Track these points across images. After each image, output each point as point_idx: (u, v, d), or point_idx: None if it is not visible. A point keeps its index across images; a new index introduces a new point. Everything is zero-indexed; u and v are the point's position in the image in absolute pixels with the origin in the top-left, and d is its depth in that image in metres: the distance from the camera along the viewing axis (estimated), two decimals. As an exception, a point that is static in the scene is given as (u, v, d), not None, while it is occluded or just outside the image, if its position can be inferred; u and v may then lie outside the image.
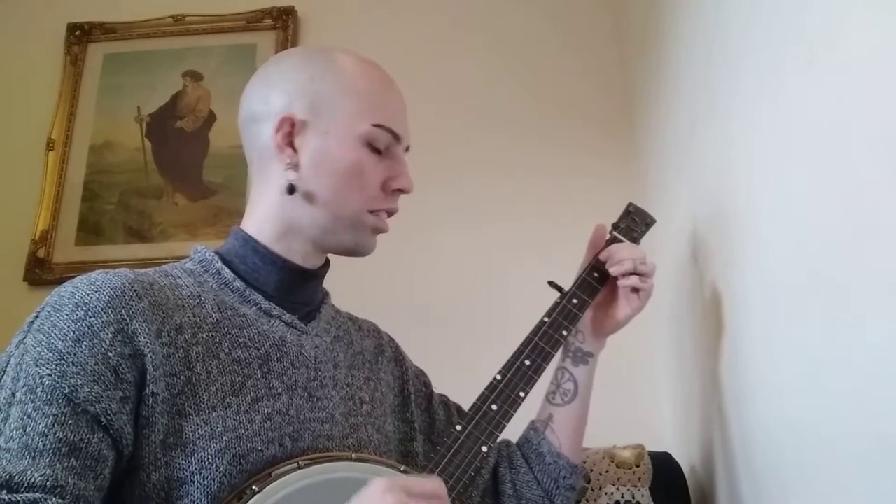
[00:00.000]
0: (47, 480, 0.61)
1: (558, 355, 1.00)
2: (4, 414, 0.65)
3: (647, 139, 1.55)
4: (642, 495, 1.14)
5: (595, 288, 1.02)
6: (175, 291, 0.78)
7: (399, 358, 1.01)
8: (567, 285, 1.02)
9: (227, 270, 0.84)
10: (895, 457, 0.62)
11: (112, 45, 1.92)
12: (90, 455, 0.65)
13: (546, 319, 0.98)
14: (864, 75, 0.65)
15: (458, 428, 0.87)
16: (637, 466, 1.16)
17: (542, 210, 1.66)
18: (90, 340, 0.68)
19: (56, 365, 0.66)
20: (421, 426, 0.97)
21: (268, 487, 0.69)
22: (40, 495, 0.60)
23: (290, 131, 0.83)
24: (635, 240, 1.08)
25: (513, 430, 0.95)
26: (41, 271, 1.69)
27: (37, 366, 0.66)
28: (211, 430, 0.71)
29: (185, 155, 1.79)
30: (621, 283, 1.00)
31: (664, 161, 1.41)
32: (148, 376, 0.70)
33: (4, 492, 0.60)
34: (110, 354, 0.68)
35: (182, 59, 1.89)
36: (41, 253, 1.70)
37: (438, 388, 1.05)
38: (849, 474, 0.71)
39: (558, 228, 1.58)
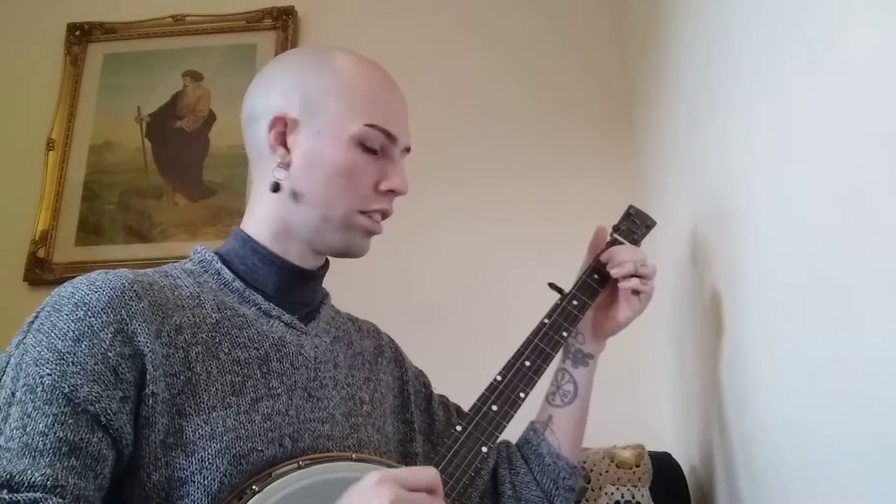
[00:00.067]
0: (48, 480, 0.61)
1: (558, 356, 1.00)
2: (4, 413, 0.65)
3: (647, 139, 1.55)
4: (642, 495, 1.14)
5: (595, 290, 1.02)
6: (175, 292, 0.78)
7: (399, 358, 1.01)
8: (567, 287, 1.02)
9: (227, 271, 0.84)
10: (895, 457, 0.62)
11: (112, 45, 1.92)
12: (90, 455, 0.65)
13: (546, 321, 0.98)
14: (864, 75, 0.65)
15: (458, 428, 0.87)
16: (637, 466, 1.16)
17: (543, 210, 1.66)
18: (90, 340, 0.68)
19: (56, 365, 0.66)
20: (420, 427, 0.97)
21: (268, 487, 0.69)
22: (41, 495, 0.60)
23: (283, 131, 0.83)
24: (636, 242, 1.08)
25: (512, 431, 0.95)
26: (41, 271, 1.69)
27: (37, 365, 0.66)
28: (211, 430, 0.71)
29: (185, 155, 1.79)
30: (622, 285, 1.00)
31: (664, 161, 1.41)
32: (148, 376, 0.70)
33: (5, 491, 0.60)
34: (110, 354, 0.68)
35: (182, 59, 1.89)
36: (41, 253, 1.70)
37: (438, 388, 1.05)
38: (849, 474, 0.71)
39: (558, 229, 1.58)
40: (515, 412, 0.90)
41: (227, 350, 0.77)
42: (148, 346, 0.70)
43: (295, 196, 0.83)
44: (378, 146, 0.84)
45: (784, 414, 0.85)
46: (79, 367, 0.66)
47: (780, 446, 0.86)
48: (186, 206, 1.75)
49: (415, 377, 1.01)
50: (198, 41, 1.90)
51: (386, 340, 1.01)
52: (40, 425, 0.63)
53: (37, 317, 0.70)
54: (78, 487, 0.63)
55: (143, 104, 1.84)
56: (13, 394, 0.66)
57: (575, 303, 1.00)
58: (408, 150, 0.89)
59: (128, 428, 0.68)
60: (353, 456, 0.77)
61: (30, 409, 0.64)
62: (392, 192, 0.86)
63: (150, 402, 0.69)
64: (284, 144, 0.83)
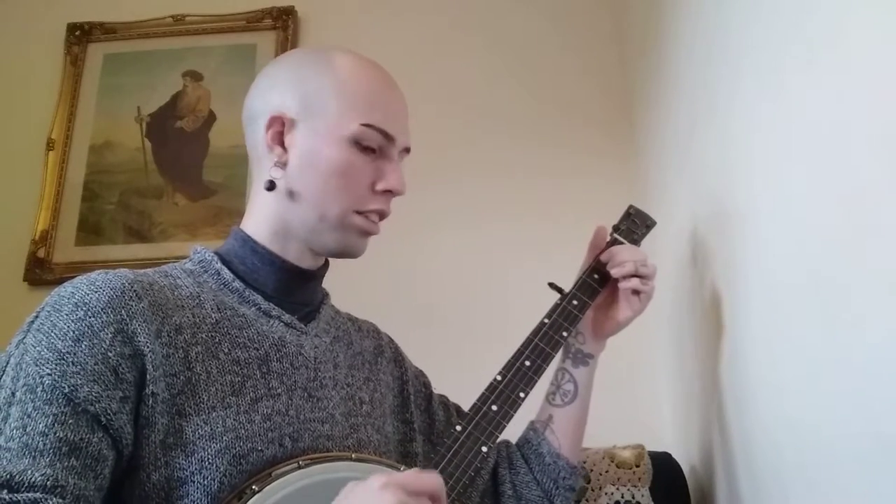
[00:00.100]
0: (48, 480, 0.61)
1: (558, 356, 1.00)
2: (4, 413, 0.65)
3: (647, 139, 1.55)
4: (642, 495, 1.14)
5: (595, 289, 1.02)
6: (174, 292, 0.78)
7: (399, 358, 1.01)
8: (567, 286, 1.02)
9: (227, 271, 0.84)
10: (895, 457, 0.62)
11: (112, 45, 1.92)
12: (90, 455, 0.65)
13: (546, 321, 0.98)
14: (864, 75, 0.65)
15: (458, 428, 0.87)
16: (637, 466, 1.16)
17: (543, 210, 1.66)
18: (90, 340, 0.68)
19: (56, 365, 0.66)
20: (420, 427, 0.97)
21: (268, 487, 0.69)
22: (41, 495, 0.60)
23: (280, 130, 0.83)
24: (636, 242, 1.08)
25: (512, 431, 0.95)
26: (41, 271, 1.69)
27: (37, 365, 0.66)
28: (211, 430, 0.71)
29: (185, 155, 1.79)
30: (622, 285, 1.00)
31: (664, 161, 1.41)
32: (148, 376, 0.70)
33: (5, 491, 0.60)
34: (110, 354, 0.68)
35: (182, 59, 1.89)
36: (41, 253, 1.70)
37: (439, 388, 1.05)
38: (849, 474, 0.71)
39: (558, 229, 1.58)
40: (515, 412, 0.90)
41: (226, 350, 0.77)
42: (148, 346, 0.70)
43: (291, 195, 0.83)
44: (376, 146, 0.84)
45: (784, 414, 0.85)
46: (79, 367, 0.66)
47: (780, 446, 0.86)
48: (186, 206, 1.75)
49: (415, 377, 1.01)
50: (198, 41, 1.90)
51: (386, 340, 1.01)
52: (40, 425, 0.63)
53: (37, 317, 0.70)
54: (78, 487, 0.63)
55: (143, 104, 1.84)
56: (13, 394, 0.66)
57: (575, 302, 1.00)
58: (407, 150, 0.89)
59: (128, 428, 0.68)
60: (353, 456, 0.77)
61: (30, 409, 0.64)
62: (389, 193, 0.85)
63: (150, 402, 0.69)
64: (282, 144, 0.83)
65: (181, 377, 0.72)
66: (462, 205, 1.68)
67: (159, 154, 1.80)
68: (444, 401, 1.04)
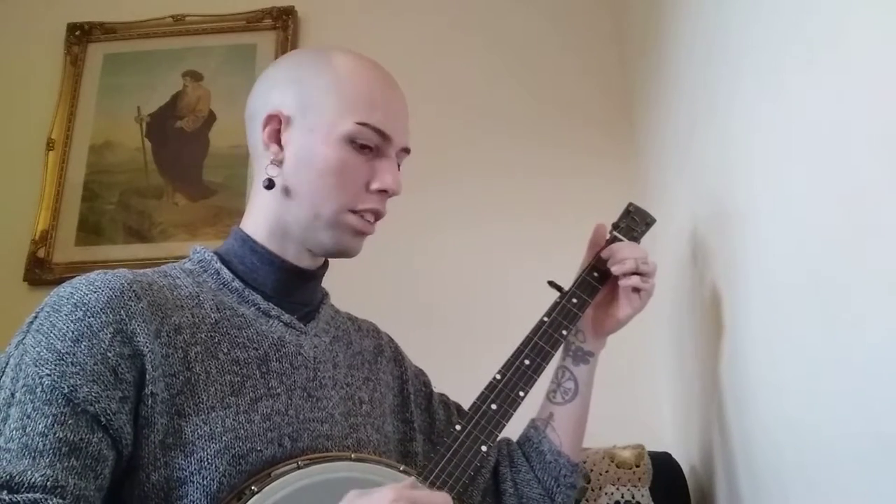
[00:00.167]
0: (48, 481, 0.61)
1: (558, 354, 1.00)
2: (4, 414, 0.65)
3: (647, 139, 1.55)
4: (642, 495, 1.14)
5: (595, 287, 1.02)
6: (174, 292, 0.78)
7: (398, 358, 1.01)
8: (567, 285, 1.02)
9: (226, 270, 0.84)
10: (895, 457, 0.62)
11: (112, 45, 1.91)
12: (90, 455, 0.65)
13: (546, 319, 0.98)
14: (864, 75, 0.65)
15: (458, 428, 0.87)
16: (637, 466, 1.16)
17: (542, 210, 1.66)
18: (89, 340, 0.68)
19: (55, 365, 0.66)
20: (421, 426, 0.97)
21: (267, 487, 0.69)
22: (41, 495, 0.60)
23: (277, 128, 0.83)
24: (635, 239, 1.08)
25: (512, 430, 0.95)
26: (41, 271, 1.69)
27: (36, 366, 0.66)
28: (210, 430, 0.71)
29: (185, 155, 1.79)
30: (622, 282, 1.00)
31: (664, 161, 1.41)
32: (147, 376, 0.70)
33: (5, 492, 0.60)
34: (109, 354, 0.68)
35: (182, 59, 1.89)
36: (41, 253, 1.70)
37: (439, 387, 1.05)
38: (849, 474, 0.70)
39: (558, 228, 1.58)
40: (515, 411, 0.90)
41: (226, 350, 0.77)
42: (147, 347, 0.70)
43: (287, 193, 0.83)
44: (372, 145, 0.83)
45: (784, 414, 0.85)
46: (78, 367, 0.66)
47: (780, 446, 0.86)
48: (186, 206, 1.75)
49: (414, 376, 1.01)
50: (198, 41, 1.90)
51: (385, 340, 1.01)
52: (40, 426, 0.63)
53: (36, 317, 0.70)
54: (78, 488, 0.63)
55: (143, 104, 1.84)
56: (13, 394, 0.66)
57: (574, 301, 1.00)
58: (406, 151, 0.89)
59: (127, 428, 0.68)
60: (353, 456, 0.77)
61: (29, 410, 0.64)
62: (384, 193, 0.85)
63: (150, 402, 0.69)
64: (279, 142, 0.83)
65: (180, 377, 0.72)
66: (462, 205, 1.68)
67: (159, 154, 1.80)
68: (444, 400, 1.04)
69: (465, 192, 1.69)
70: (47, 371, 0.66)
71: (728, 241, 1.02)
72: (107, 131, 1.82)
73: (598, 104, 1.75)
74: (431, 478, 0.81)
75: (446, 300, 1.59)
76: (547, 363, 0.95)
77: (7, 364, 0.68)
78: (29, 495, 0.60)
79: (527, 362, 0.94)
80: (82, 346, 0.67)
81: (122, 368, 0.68)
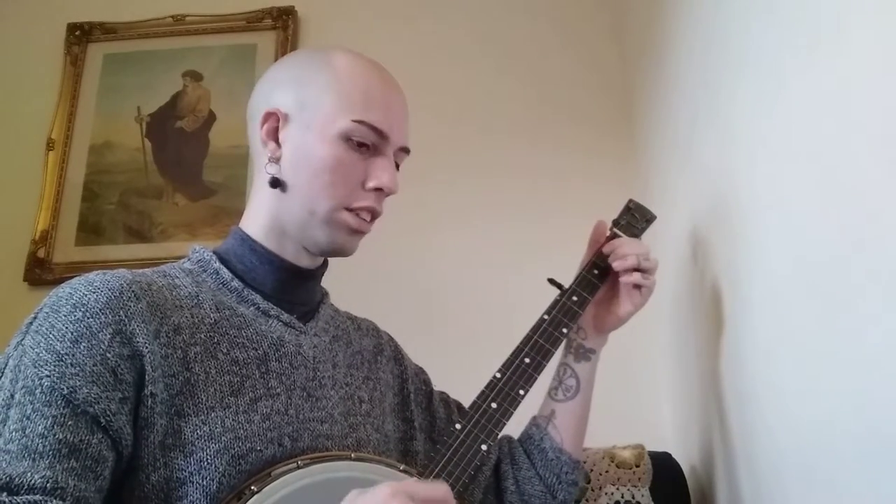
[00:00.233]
0: (47, 482, 0.61)
1: (559, 352, 1.00)
2: (3, 416, 0.64)
3: (647, 139, 1.55)
4: (642, 495, 1.14)
5: (595, 285, 1.02)
6: (173, 292, 0.78)
7: (398, 356, 1.01)
8: (567, 284, 1.02)
9: (225, 270, 0.84)
10: (895, 457, 0.62)
11: (112, 45, 1.91)
12: (90, 456, 0.65)
13: (546, 317, 0.98)
14: (864, 75, 0.65)
15: (458, 426, 0.87)
16: (637, 466, 1.16)
17: (542, 210, 1.66)
18: (89, 341, 0.68)
19: (55, 366, 0.66)
20: (421, 425, 0.97)
21: (267, 487, 0.69)
22: (41, 497, 0.60)
23: (275, 126, 0.83)
24: (636, 236, 1.08)
25: (513, 429, 0.95)
26: (41, 271, 1.69)
27: (35, 367, 0.66)
28: (210, 430, 0.71)
29: (185, 155, 1.79)
30: (623, 279, 1.00)
31: (664, 161, 1.41)
32: (146, 377, 0.70)
33: (5, 494, 0.60)
34: (109, 355, 0.68)
35: (182, 59, 1.89)
36: (41, 253, 1.70)
37: (439, 386, 1.05)
38: (849, 474, 0.70)
39: (558, 228, 1.58)
40: (515, 409, 0.90)
41: (225, 350, 0.77)
42: (147, 347, 0.70)
43: (284, 190, 0.83)
44: (369, 143, 0.83)
45: (784, 414, 0.85)
46: (78, 368, 0.66)
47: (780, 446, 0.86)
48: (186, 206, 1.75)
49: (415, 375, 1.01)
50: (198, 41, 1.90)
51: (385, 339, 1.01)
52: (39, 427, 0.63)
53: (35, 318, 0.70)
54: (78, 489, 0.63)
55: (143, 104, 1.84)
56: (12, 396, 0.65)
57: (575, 298, 1.00)
58: (405, 150, 0.88)
59: (127, 429, 0.68)
60: (353, 455, 0.77)
61: (29, 411, 0.64)
62: (381, 191, 0.84)
63: (149, 402, 0.69)
64: (276, 140, 0.83)
65: (180, 377, 0.72)
66: (462, 205, 1.68)
67: (159, 154, 1.80)
68: (444, 398, 1.04)
69: (465, 191, 1.69)
70: (47, 372, 0.66)
71: (728, 240, 1.02)
72: (107, 131, 1.82)
73: (597, 104, 1.75)
74: (432, 477, 0.81)
75: (446, 299, 1.59)
76: (547, 361, 0.95)
77: (6, 365, 0.68)
78: (29, 497, 0.60)
79: (527, 361, 0.94)
80: (81, 347, 0.67)
81: (122, 369, 0.68)
